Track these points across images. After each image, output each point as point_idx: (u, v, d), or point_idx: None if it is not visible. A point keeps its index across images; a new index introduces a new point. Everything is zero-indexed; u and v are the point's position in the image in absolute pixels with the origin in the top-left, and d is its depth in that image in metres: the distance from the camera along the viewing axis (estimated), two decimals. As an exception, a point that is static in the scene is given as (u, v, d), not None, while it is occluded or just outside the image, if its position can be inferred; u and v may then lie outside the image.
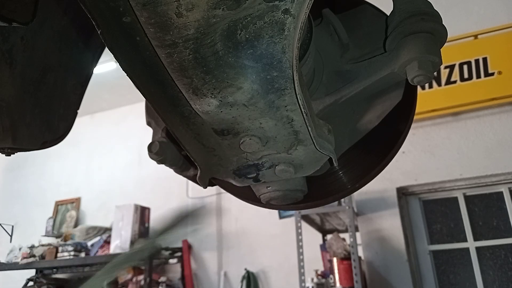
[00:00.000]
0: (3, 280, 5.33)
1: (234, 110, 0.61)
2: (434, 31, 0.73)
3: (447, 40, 0.76)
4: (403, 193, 3.70)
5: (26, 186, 6.11)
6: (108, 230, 4.80)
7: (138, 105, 5.33)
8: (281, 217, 4.46)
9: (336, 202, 3.20)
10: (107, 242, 4.55)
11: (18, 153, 0.96)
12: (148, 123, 1.11)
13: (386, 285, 3.40)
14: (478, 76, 3.56)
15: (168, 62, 0.54)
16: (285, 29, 0.52)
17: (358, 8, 0.92)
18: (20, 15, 0.74)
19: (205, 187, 0.83)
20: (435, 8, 0.76)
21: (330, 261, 3.24)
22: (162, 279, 4.48)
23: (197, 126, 0.70)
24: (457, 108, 3.59)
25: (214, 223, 4.83)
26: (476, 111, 3.57)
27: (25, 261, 4.55)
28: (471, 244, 3.44)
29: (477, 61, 3.60)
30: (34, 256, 4.58)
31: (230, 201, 4.77)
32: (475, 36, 3.67)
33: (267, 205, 0.90)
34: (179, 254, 4.68)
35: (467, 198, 3.58)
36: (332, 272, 3.18)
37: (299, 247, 3.22)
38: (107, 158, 5.78)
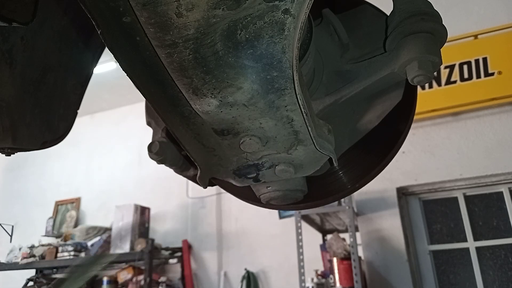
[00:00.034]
0: (3, 280, 5.33)
1: (234, 110, 0.61)
2: (434, 31, 0.73)
3: (447, 40, 0.76)
4: (403, 193, 3.70)
5: (26, 186, 6.11)
6: (108, 230, 4.80)
7: (138, 105, 5.33)
8: (281, 217, 4.46)
9: (336, 202, 3.20)
10: (107, 242, 4.55)
11: (18, 153, 0.96)
12: (148, 123, 1.11)
13: (386, 285, 3.40)
14: (478, 76, 3.56)
15: (168, 62, 0.54)
16: (285, 29, 0.52)
17: (358, 8, 0.92)
18: (20, 15, 0.74)
19: (205, 187, 0.83)
20: (435, 8, 0.76)
21: (330, 261, 3.24)
22: (162, 279, 4.48)
23: (197, 126, 0.70)
24: (457, 108, 3.59)
25: (214, 223, 4.82)
26: (476, 111, 3.57)
27: (25, 261, 4.55)
28: (471, 244, 3.44)
29: (477, 61, 3.60)
30: (34, 256, 4.58)
31: (230, 201, 4.77)
32: (475, 36, 3.67)
33: (267, 205, 0.90)
34: (179, 254, 4.68)
35: (467, 198, 3.58)
36: (332, 272, 3.18)
37: (299, 247, 3.22)
38: (107, 158, 5.78)
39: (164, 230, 5.02)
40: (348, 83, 0.83)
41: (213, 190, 4.68)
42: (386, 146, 0.88)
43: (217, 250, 4.71)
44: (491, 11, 3.79)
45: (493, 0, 3.82)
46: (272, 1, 0.49)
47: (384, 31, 0.81)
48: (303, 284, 3.11)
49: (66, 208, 5.72)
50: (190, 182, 1.17)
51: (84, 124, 5.58)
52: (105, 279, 4.59)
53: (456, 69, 3.64)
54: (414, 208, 3.70)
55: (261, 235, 4.55)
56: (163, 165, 1.07)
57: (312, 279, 3.29)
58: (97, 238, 4.69)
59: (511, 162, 3.34)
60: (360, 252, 3.49)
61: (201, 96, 0.58)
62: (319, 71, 0.87)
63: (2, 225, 5.21)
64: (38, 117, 0.99)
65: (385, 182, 3.60)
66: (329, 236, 3.83)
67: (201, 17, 0.48)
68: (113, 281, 4.56)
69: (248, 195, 0.94)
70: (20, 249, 4.79)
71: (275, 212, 4.41)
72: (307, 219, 3.54)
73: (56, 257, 4.54)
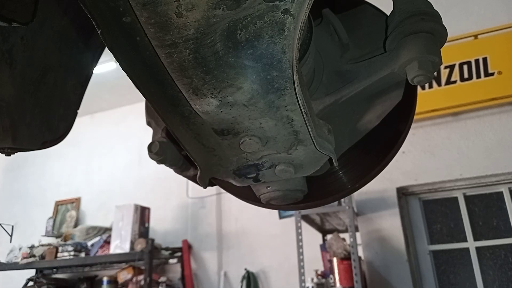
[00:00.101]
0: (3, 280, 5.33)
1: (234, 110, 0.61)
2: (434, 31, 0.73)
3: (447, 40, 0.76)
4: (403, 193, 3.70)
5: (26, 186, 6.11)
6: (108, 230, 4.80)
7: (138, 105, 5.33)
8: (281, 217, 4.46)
9: (336, 202, 3.20)
10: (107, 242, 4.55)
11: (18, 153, 0.96)
12: (148, 123, 1.11)
13: (386, 285, 3.40)
14: (478, 76, 3.56)
15: (168, 62, 0.54)
16: (285, 29, 0.52)
17: (358, 8, 0.92)
18: (20, 15, 0.74)
19: (205, 187, 0.83)
20: (435, 8, 0.76)
21: (330, 261, 3.24)
22: (162, 279, 4.48)
23: (197, 126, 0.70)
24: (457, 108, 3.59)
25: (214, 223, 4.82)
26: (476, 111, 3.57)
27: (25, 261, 4.55)
28: (471, 244, 3.44)
29: (477, 61, 3.60)
30: (34, 256, 4.58)
31: (230, 201, 4.77)
32: (475, 36, 3.67)
33: (267, 205, 0.90)
34: (179, 254, 4.68)
35: (467, 198, 3.58)
36: (332, 272, 3.18)
37: (299, 247, 3.22)
38: (107, 158, 5.78)
39: (164, 230, 5.02)
40: (348, 83, 0.83)
41: (213, 190, 4.68)
42: (386, 146, 0.88)
43: (217, 250, 4.71)
44: (491, 11, 3.79)
45: (493, 0, 3.82)
46: (272, 1, 0.49)
47: (384, 31, 0.81)
48: (303, 284, 3.11)
49: (66, 208, 5.72)
50: (190, 182, 1.17)
51: (84, 124, 5.58)
52: (105, 279, 4.59)
53: (456, 69, 3.64)
54: (414, 208, 3.70)
55: (261, 235, 4.55)
56: (163, 165, 1.07)
57: (312, 279, 3.29)
58: (97, 238, 4.69)
59: (511, 162, 3.34)
60: (360, 252, 3.49)
61: (201, 96, 0.58)
62: (319, 71, 0.87)
63: (2, 225, 5.21)
64: (38, 117, 0.99)
65: (385, 182, 3.61)
66: (329, 236, 3.83)
67: (201, 17, 0.48)
68: (113, 281, 4.57)
69: (248, 195, 0.94)
70: (20, 249, 4.79)
71: (275, 212, 4.41)
72: (307, 219, 3.54)
73: (56, 257, 4.54)
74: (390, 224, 3.54)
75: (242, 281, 4.36)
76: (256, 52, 0.54)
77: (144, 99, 0.68)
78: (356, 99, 0.84)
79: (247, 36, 0.53)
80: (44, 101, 1.01)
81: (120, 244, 4.36)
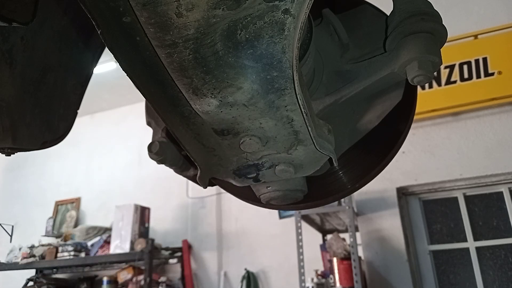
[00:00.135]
0: (3, 280, 5.33)
1: (234, 110, 0.61)
2: (434, 31, 0.73)
3: (447, 40, 0.76)
4: (403, 193, 3.70)
5: (26, 186, 6.11)
6: (108, 230, 4.80)
7: (138, 105, 5.33)
8: (281, 217, 4.46)
9: (336, 202, 3.20)
10: (107, 242, 4.55)
11: (18, 153, 0.96)
12: (148, 123, 1.11)
13: (386, 285, 3.40)
14: (478, 76, 3.56)
15: (168, 62, 0.54)
16: (285, 29, 0.52)
17: (358, 8, 0.92)
18: (20, 15, 0.74)
19: (205, 187, 0.83)
20: (435, 8, 0.76)
21: (330, 261, 3.24)
22: (162, 279, 4.48)
23: (197, 126, 0.70)
24: (457, 108, 3.59)
25: (214, 223, 4.82)
26: (476, 111, 3.57)
27: (25, 261, 4.55)
28: (471, 244, 3.44)
29: (477, 61, 3.60)
30: (34, 256, 4.58)
31: (230, 201, 4.77)
32: (475, 36, 3.67)
33: (267, 205, 0.90)
34: (179, 254, 4.68)
35: (467, 198, 3.58)
36: (332, 272, 3.18)
37: (299, 247, 3.22)
38: (107, 158, 5.78)
39: (164, 230, 5.02)
40: (348, 83, 0.83)
41: (213, 190, 4.68)
42: (386, 146, 0.88)
43: (217, 250, 4.71)
44: (491, 11, 3.79)
45: (493, 0, 3.82)
46: (272, 1, 0.49)
47: (384, 31, 0.81)
48: (303, 284, 3.11)
49: (66, 208, 5.72)
50: (190, 182, 1.17)
51: (84, 124, 5.58)
52: (105, 279, 4.59)
53: (456, 69, 3.64)
54: (414, 208, 3.70)
55: (261, 235, 4.55)
56: (163, 165, 1.07)
57: (312, 279, 3.29)
58: (97, 238, 4.69)
59: (511, 162, 3.34)
60: (360, 252, 3.49)
61: (201, 96, 0.58)
62: (319, 71, 0.87)
63: (2, 225, 5.21)
64: (38, 117, 0.99)
65: (385, 182, 3.60)
66: (329, 236, 3.83)
67: (201, 17, 0.48)
68: (113, 281, 4.56)
69: (248, 195, 0.94)
70: (20, 249, 4.79)
71: (275, 212, 4.41)
72: (307, 219, 3.54)
73: (56, 257, 4.54)
74: (390, 224, 3.54)
75: (242, 281, 4.36)
76: (256, 52, 0.54)
77: (144, 99, 0.68)
78: (356, 99, 0.84)
79: (247, 36, 0.53)
80: (44, 101, 1.01)
81: (120, 244, 4.36)
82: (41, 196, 5.93)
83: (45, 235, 5.41)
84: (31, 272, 4.83)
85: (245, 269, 4.42)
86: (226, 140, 0.69)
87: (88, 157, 5.93)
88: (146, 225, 4.62)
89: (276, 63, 0.55)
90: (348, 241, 3.19)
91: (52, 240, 5.20)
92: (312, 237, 3.95)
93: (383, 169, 0.88)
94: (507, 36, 3.57)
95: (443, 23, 0.74)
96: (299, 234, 3.26)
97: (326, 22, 0.88)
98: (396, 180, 3.63)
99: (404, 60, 0.73)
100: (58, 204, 5.80)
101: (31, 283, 4.73)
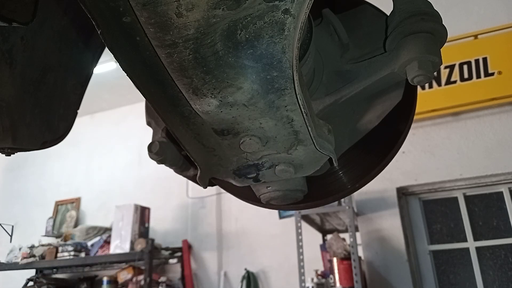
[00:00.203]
0: (3, 280, 5.33)
1: (234, 110, 0.61)
2: (434, 31, 0.73)
3: (447, 40, 0.76)
4: (403, 193, 3.70)
5: (26, 186, 6.11)
6: (108, 230, 4.80)
7: (138, 105, 5.33)
8: (281, 217, 4.46)
9: (336, 202, 3.20)
10: (107, 242, 4.55)
11: (18, 153, 0.96)
12: (148, 123, 1.11)
13: (386, 285, 3.40)
14: (478, 76, 3.56)
15: (168, 62, 0.54)
16: (285, 29, 0.52)
17: (358, 8, 0.92)
18: (20, 15, 0.74)
19: (205, 187, 0.83)
20: (435, 8, 0.76)
21: (330, 261, 3.24)
22: (162, 279, 4.48)
23: (197, 126, 0.70)
24: (457, 108, 3.59)
25: (214, 223, 4.82)
26: (476, 111, 3.57)
27: (25, 261, 4.55)
28: (471, 244, 3.44)
29: (477, 61, 3.60)
30: (34, 256, 4.58)
31: (230, 201, 4.77)
32: (475, 36, 3.67)
33: (267, 205, 0.90)
34: (179, 254, 4.68)
35: (467, 198, 3.58)
36: (332, 272, 3.18)
37: (299, 247, 3.22)
38: (107, 158, 5.78)
39: (164, 230, 5.02)
40: (348, 83, 0.83)
41: (213, 190, 4.68)
42: (386, 146, 0.88)
43: (217, 250, 4.71)
44: (491, 11, 3.79)
45: (493, 0, 3.82)
46: (272, 1, 0.49)
47: (384, 31, 0.81)
48: (303, 284, 3.11)
49: (66, 208, 5.72)
50: (190, 182, 1.17)
51: (84, 124, 5.58)
52: (105, 279, 4.59)
53: (456, 69, 3.64)
54: (414, 208, 3.70)
55: (261, 235, 4.55)
56: (163, 165, 1.07)
57: (312, 279, 3.29)
58: (97, 238, 4.69)
59: (511, 162, 3.34)
60: (360, 252, 3.49)
61: (201, 96, 0.58)
62: (319, 71, 0.87)
63: (2, 225, 5.21)
64: (38, 117, 0.99)
65: (385, 182, 3.60)
66: (329, 236, 3.83)
67: (201, 17, 0.48)
68: (113, 281, 4.56)
69: (248, 195, 0.94)
70: (20, 249, 4.79)
71: (275, 212, 4.41)
72: (307, 219, 3.54)
73: (56, 257, 4.54)
74: (390, 224, 3.54)
75: (242, 281, 4.36)
76: (256, 52, 0.54)
77: (144, 99, 0.68)
78: (356, 99, 0.84)
79: (247, 36, 0.53)
80: (44, 101, 1.01)
81: (120, 244, 4.36)
82: (41, 196, 5.93)
83: (45, 235, 5.41)
84: (31, 272, 4.83)
85: (245, 269, 4.42)
86: (226, 140, 0.69)
87: (88, 157, 5.93)
88: (146, 225, 4.62)
89: (276, 63, 0.55)
90: (348, 241, 3.19)
91: (52, 240, 5.20)
92: (312, 237, 3.95)
93: (383, 169, 0.88)
94: (507, 36, 3.57)
95: (443, 23, 0.74)
96: (299, 234, 3.26)
97: (326, 22, 0.88)
98: (396, 180, 3.63)
99: (404, 60, 0.73)
100: (58, 204, 5.80)
101: (31, 283, 4.73)
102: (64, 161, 5.95)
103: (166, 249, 4.58)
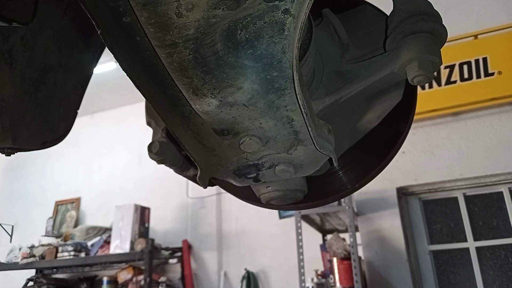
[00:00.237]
0: (3, 280, 5.33)
1: (234, 110, 0.61)
2: (434, 31, 0.73)
3: (447, 40, 0.76)
4: (403, 193, 3.70)
5: (26, 186, 6.11)
6: (108, 230, 4.80)
7: (138, 105, 5.33)
8: (281, 217, 4.46)
9: (336, 202, 3.20)
10: (107, 242, 4.55)
11: (18, 153, 0.96)
12: (148, 123, 1.11)
13: (386, 285, 3.40)
14: (478, 76, 3.56)
15: (168, 62, 0.54)
16: (285, 29, 0.52)
17: (358, 8, 0.92)
18: (20, 15, 0.74)
19: (205, 187, 0.83)
20: (435, 8, 0.76)
21: (330, 261, 3.24)
22: (162, 279, 4.48)
23: (197, 126, 0.70)
24: (457, 108, 3.59)
25: (214, 223, 4.82)
26: (476, 111, 3.57)
27: (25, 261, 4.55)
28: (471, 244, 3.44)
29: (477, 61, 3.60)
30: (34, 256, 4.58)
31: (230, 201, 4.77)
32: (475, 36, 3.67)
33: (267, 205, 0.90)
34: (179, 254, 4.68)
35: (467, 198, 3.58)
36: (332, 272, 3.18)
37: (299, 247, 3.22)
38: (107, 158, 5.78)
39: (164, 230, 5.02)
40: (348, 83, 0.83)
41: (213, 190, 4.68)
42: (386, 146, 0.88)
43: (217, 250, 4.71)
44: (491, 11, 3.79)
45: (493, 0, 3.82)
46: (272, 1, 0.49)
47: (384, 31, 0.81)
48: (303, 284, 3.11)
49: (66, 208, 5.72)
50: (190, 182, 1.17)
51: (84, 124, 5.58)
52: (105, 279, 4.59)
53: (456, 69, 3.64)
54: (414, 208, 3.70)
55: (261, 235, 4.55)
56: (163, 165, 1.07)
57: (312, 279, 3.29)
58: (97, 238, 4.69)
59: (511, 162, 3.34)
60: (360, 252, 3.49)
61: (201, 96, 0.58)
62: (319, 71, 0.87)
63: (2, 225, 5.21)
64: (38, 117, 0.99)
65: (385, 182, 3.60)
66: (329, 236, 3.83)
67: (201, 17, 0.48)
68: (113, 281, 4.56)
69: (248, 195, 0.94)
70: (20, 249, 4.79)
71: (275, 212, 4.41)
72: (307, 219, 3.54)
73: (56, 257, 4.54)
74: (390, 224, 3.54)
75: (242, 281, 4.36)
76: (256, 52, 0.54)
77: (144, 99, 0.68)
78: (356, 99, 0.84)
79: (247, 36, 0.53)
80: (44, 101, 1.01)
81: (120, 244, 4.36)
82: (41, 196, 5.93)
83: (45, 235, 5.41)
84: (31, 272, 4.83)
85: (245, 269, 4.42)
86: (226, 140, 0.69)
87: (88, 157, 5.93)
88: (146, 225, 4.62)
89: (276, 63, 0.55)
90: (348, 241, 3.19)
91: (52, 240, 5.20)
92: (312, 237, 3.95)
93: (383, 169, 0.88)
94: (507, 36, 3.57)
95: (443, 23, 0.74)
96: (299, 234, 3.26)
97: (326, 22, 0.88)
98: (396, 180, 3.63)
99: (404, 60, 0.73)
100: (58, 204, 5.80)
101: (31, 283, 4.73)
102: (64, 161, 5.95)
103: (166, 249, 4.58)
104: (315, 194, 0.92)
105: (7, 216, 5.68)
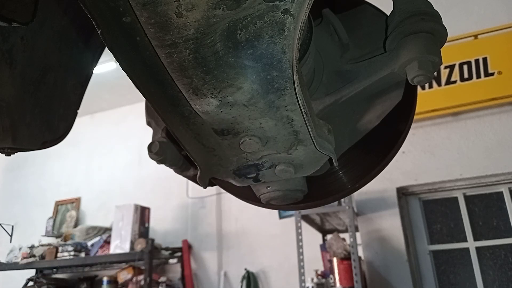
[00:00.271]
0: (3, 280, 5.33)
1: (234, 110, 0.61)
2: (434, 31, 0.73)
3: (447, 40, 0.76)
4: (403, 193, 3.70)
5: (26, 186, 6.11)
6: (108, 230, 4.80)
7: (138, 105, 5.33)
8: (281, 217, 4.46)
9: (336, 202, 3.20)
10: (107, 242, 4.55)
11: (18, 153, 0.96)
12: (148, 123, 1.11)
13: (386, 285, 3.40)
14: (478, 76, 3.56)
15: (168, 62, 0.54)
16: (285, 29, 0.52)
17: (358, 8, 0.92)
18: (20, 15, 0.74)
19: (205, 187, 0.83)
20: (435, 8, 0.76)
21: (330, 261, 3.24)
22: (162, 279, 4.48)
23: (197, 126, 0.70)
24: (457, 108, 3.59)
25: (214, 223, 4.83)
26: (476, 111, 3.57)
27: (25, 261, 4.55)
28: (471, 244, 3.44)
29: (477, 61, 3.60)
30: (34, 256, 4.58)
31: (230, 201, 4.77)
32: (475, 36, 3.67)
33: (267, 205, 0.90)
34: (179, 254, 4.68)
35: (467, 198, 3.58)
36: (332, 272, 3.18)
37: (299, 247, 3.22)
38: (107, 158, 5.78)
39: (164, 230, 5.02)
40: (348, 83, 0.83)
41: (213, 190, 4.68)
42: (386, 146, 0.88)
43: (217, 250, 4.71)
44: (491, 11, 3.79)
45: (493, 0, 3.82)
46: (272, 1, 0.49)
47: (384, 31, 0.81)
48: (303, 284, 3.11)
49: (66, 208, 5.72)
50: (190, 182, 1.17)
51: (84, 124, 5.58)
52: (105, 279, 4.59)
53: (456, 69, 3.64)
54: (414, 208, 3.70)
55: (261, 235, 4.55)
56: (163, 165, 1.07)
57: (312, 279, 3.29)
58: (97, 238, 4.69)
59: (511, 162, 3.34)
60: (360, 252, 3.49)
61: (201, 96, 0.58)
62: (319, 71, 0.87)
63: (2, 225, 5.21)
64: (38, 117, 0.99)
65: (385, 182, 3.60)
66: (329, 236, 3.83)
67: (201, 17, 0.48)
68: (113, 281, 4.56)
69: (248, 195, 0.94)
70: (20, 249, 4.79)
71: (275, 212, 4.41)
72: (307, 219, 3.54)
73: (56, 257, 4.54)
74: (390, 224, 3.54)
75: (242, 281, 4.36)
76: (256, 52, 0.54)
77: (144, 99, 0.68)
78: (356, 99, 0.84)
79: (247, 36, 0.53)
80: (44, 101, 1.01)
81: (120, 244, 4.36)
82: (41, 196, 5.93)
83: (45, 235, 5.41)
84: (31, 272, 4.83)
85: (245, 269, 4.42)
86: (226, 140, 0.69)
87: (88, 157, 5.93)
88: (146, 225, 4.62)
89: (276, 63, 0.55)
90: (348, 241, 3.19)
91: (52, 240, 5.20)
92: (312, 237, 3.95)
93: (383, 169, 0.88)
94: (507, 36, 3.57)
95: (443, 23, 0.74)
96: (299, 234, 3.26)
97: (326, 22, 0.88)
98: (396, 180, 3.63)
99: (404, 60, 0.73)
100: (58, 204, 5.80)
101: (31, 283, 4.73)
102: (64, 161, 5.95)
103: (166, 249, 4.58)
104: (315, 194, 0.92)
105: (7, 216, 5.68)
